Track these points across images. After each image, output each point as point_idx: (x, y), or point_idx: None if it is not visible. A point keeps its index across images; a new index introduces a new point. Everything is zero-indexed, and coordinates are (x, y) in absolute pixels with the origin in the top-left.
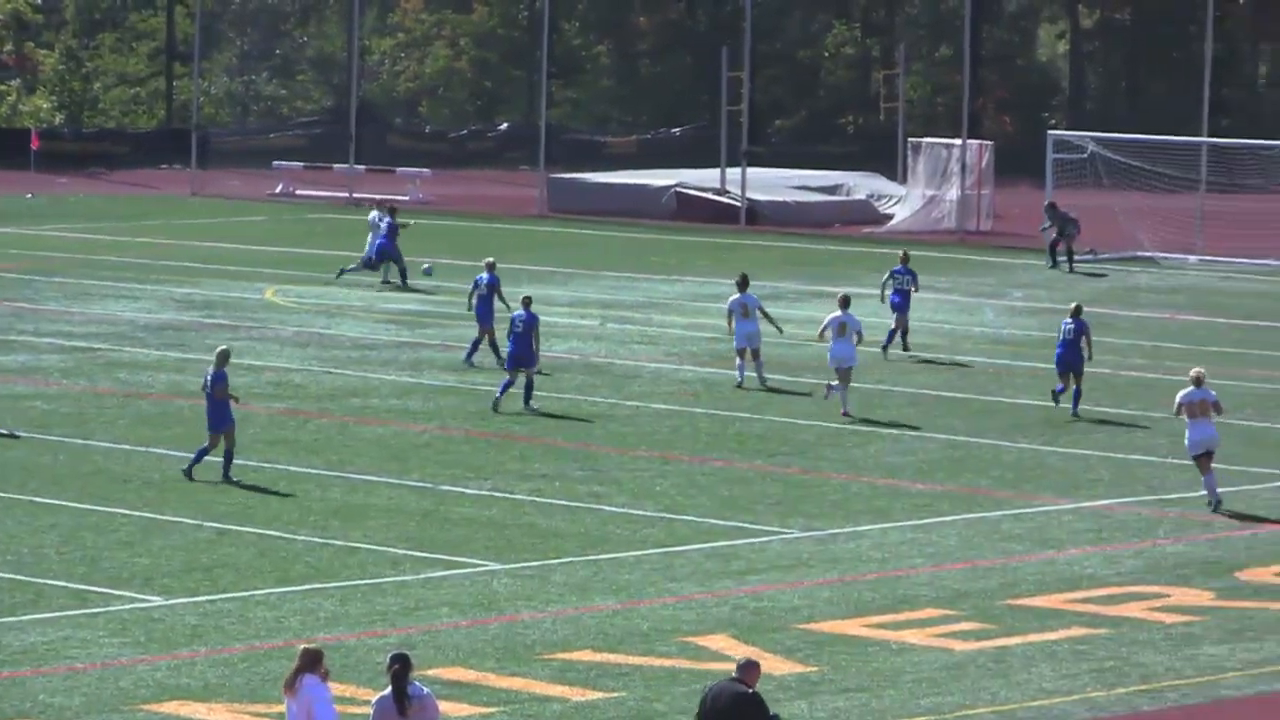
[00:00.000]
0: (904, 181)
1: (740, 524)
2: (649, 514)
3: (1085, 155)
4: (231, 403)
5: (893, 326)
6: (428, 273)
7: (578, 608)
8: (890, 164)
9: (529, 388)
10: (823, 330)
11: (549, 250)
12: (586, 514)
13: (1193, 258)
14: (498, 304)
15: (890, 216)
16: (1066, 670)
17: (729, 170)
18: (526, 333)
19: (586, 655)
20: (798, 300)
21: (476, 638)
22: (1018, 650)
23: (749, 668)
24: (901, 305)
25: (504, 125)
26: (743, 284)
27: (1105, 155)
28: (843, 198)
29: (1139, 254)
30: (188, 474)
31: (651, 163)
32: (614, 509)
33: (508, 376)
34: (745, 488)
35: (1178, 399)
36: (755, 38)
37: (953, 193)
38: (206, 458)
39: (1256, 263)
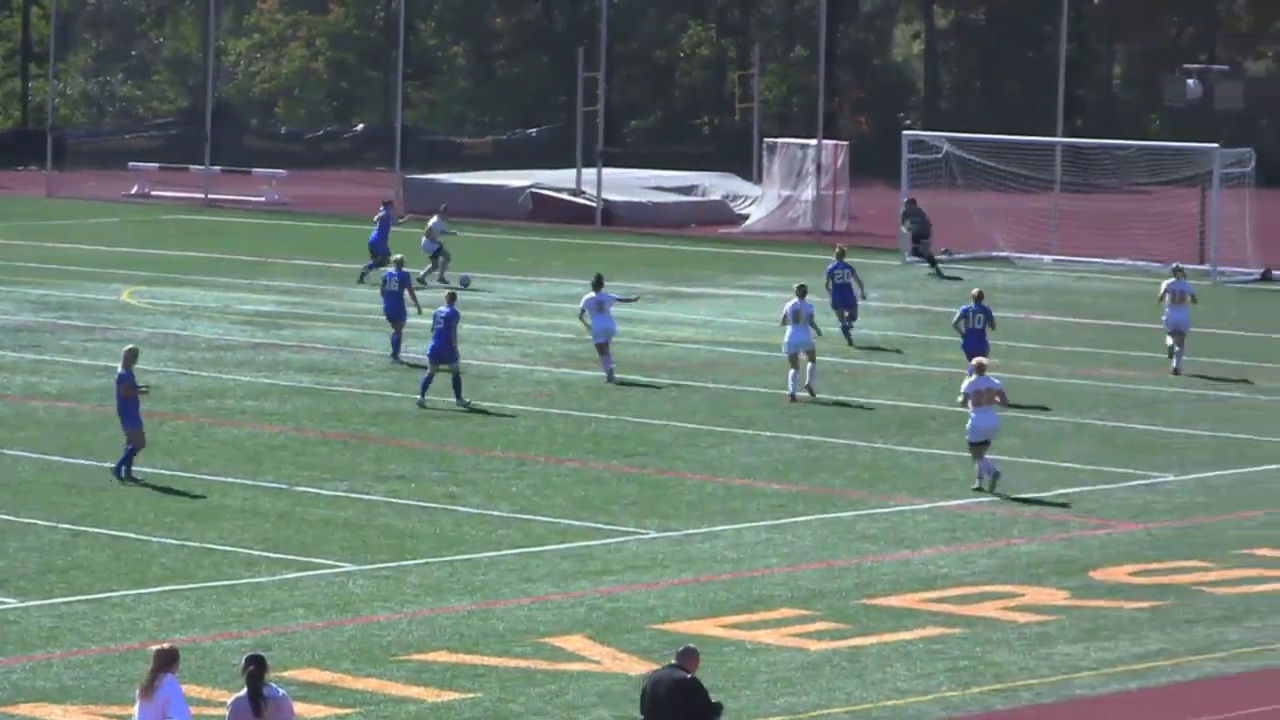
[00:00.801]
0: (759, 182)
1: (596, 524)
2: (505, 515)
3: (940, 155)
4: (140, 398)
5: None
6: (465, 282)
7: (433, 608)
8: (745, 164)
9: (457, 384)
10: (782, 318)
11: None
12: (442, 515)
13: (1047, 258)
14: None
15: (745, 217)
16: (921, 670)
17: (585, 171)
18: (448, 328)
19: (442, 656)
20: (653, 301)
21: (332, 639)
22: (873, 650)
23: (688, 655)
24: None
25: (360, 126)
26: (597, 284)
27: (960, 155)
28: (698, 198)
29: (994, 254)
30: (118, 475)
31: (508, 163)
32: (470, 510)
33: (428, 372)
34: (601, 488)
35: (963, 388)
36: (611, 38)
37: (808, 193)
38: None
39: (1110, 262)
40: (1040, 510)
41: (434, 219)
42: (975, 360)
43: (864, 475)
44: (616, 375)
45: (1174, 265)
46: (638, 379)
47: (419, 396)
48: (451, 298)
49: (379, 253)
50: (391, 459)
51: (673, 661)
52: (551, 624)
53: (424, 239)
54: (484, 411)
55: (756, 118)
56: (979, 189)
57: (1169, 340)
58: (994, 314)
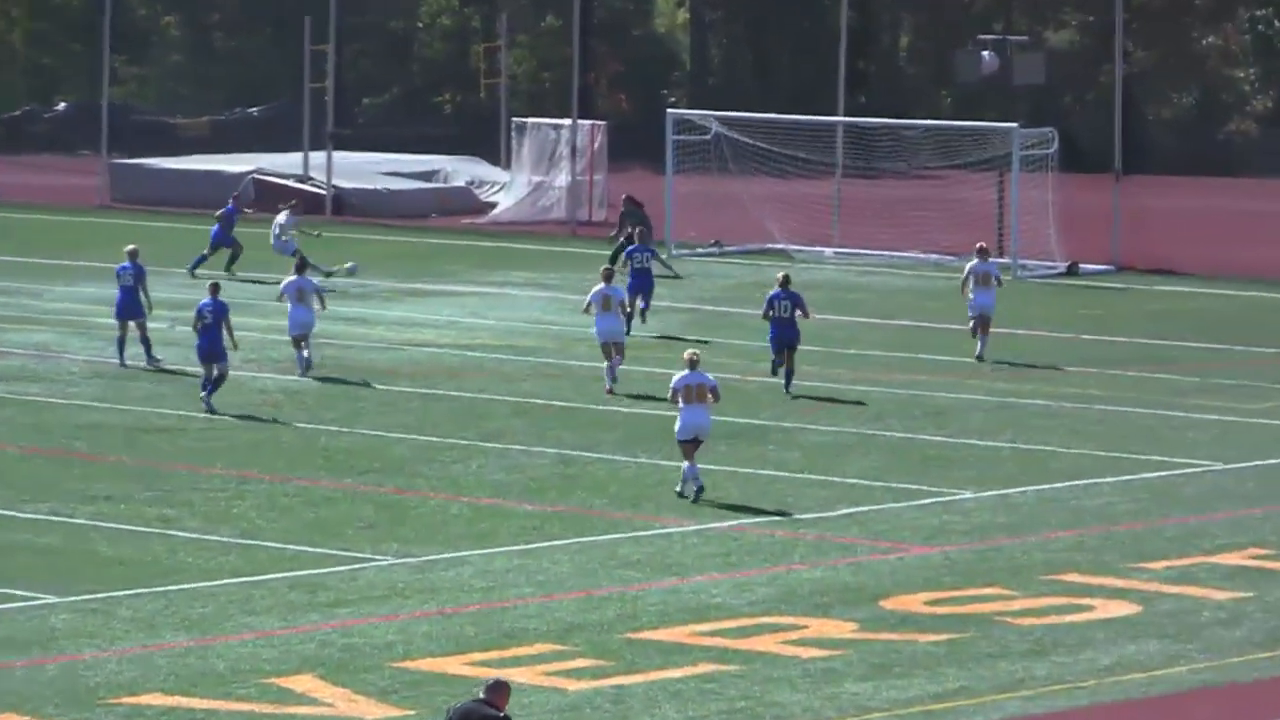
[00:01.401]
0: (507, 167)
1: (328, 550)
2: (225, 540)
3: (709, 136)
4: None
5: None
6: (352, 271)
7: (146, 645)
8: (492, 147)
9: (216, 382)
10: (586, 305)
11: (112, 246)
12: (155, 540)
13: (828, 250)
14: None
15: (492, 205)
16: (694, 711)
17: (313, 155)
18: (216, 323)
19: (156, 699)
20: (390, 300)
21: (33, 680)
22: (638, 689)
23: (498, 689)
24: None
25: (62, 105)
26: (300, 267)
27: (731, 136)
28: (439, 185)
29: (769, 246)
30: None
31: (227, 146)
32: (186, 534)
33: (204, 371)
34: (333, 509)
35: (673, 383)
36: (341, 7)
37: (562, 179)
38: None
39: (898, 255)
40: (824, 532)
41: (282, 214)
42: (688, 353)
43: (626, 494)
44: (314, 372)
45: (978, 245)
46: (375, 387)
47: (204, 399)
48: (215, 288)
49: (224, 245)
50: (99, 477)
51: (480, 696)
52: (278, 662)
53: (275, 238)
54: (206, 422)
55: (504, 95)
56: (752, 174)
57: (971, 323)
58: (804, 300)
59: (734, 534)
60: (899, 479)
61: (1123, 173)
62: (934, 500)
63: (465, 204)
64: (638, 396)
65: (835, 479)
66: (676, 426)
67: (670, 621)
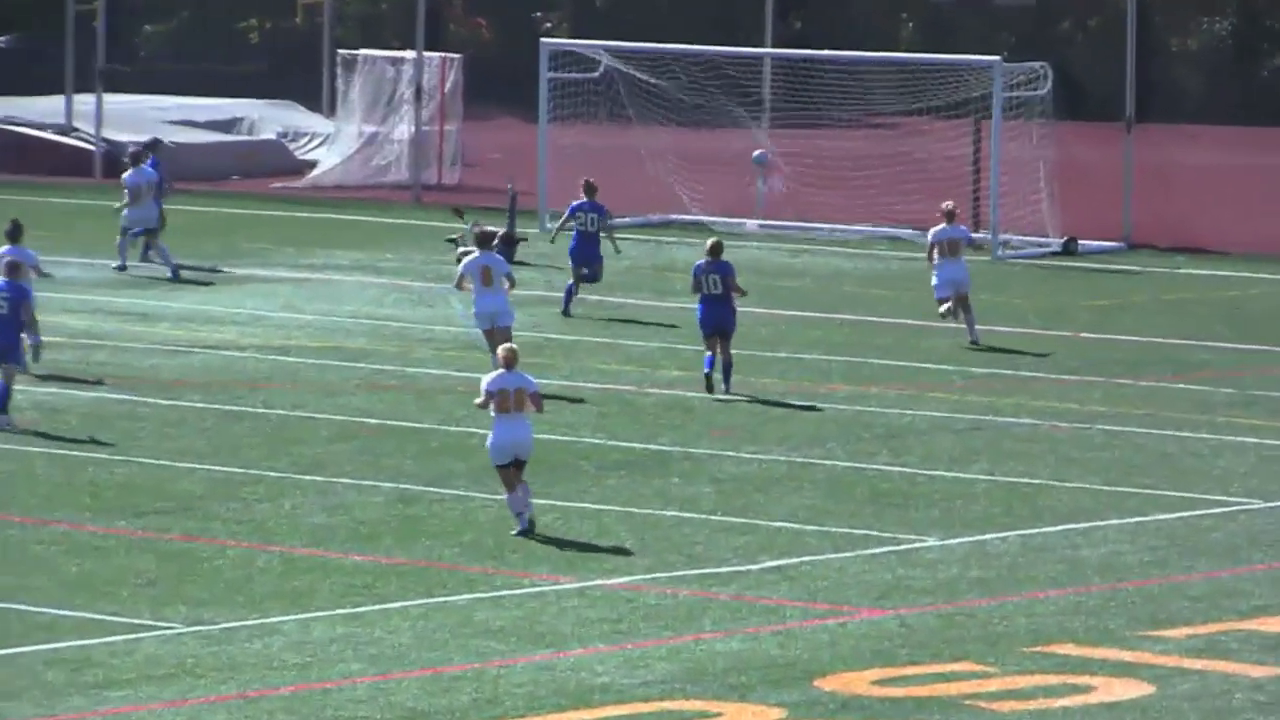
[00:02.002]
0: (331, 114)
1: (96, 615)
2: None
3: (597, 74)
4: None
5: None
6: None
7: None
8: (312, 88)
9: (6, 389)
10: (458, 279)
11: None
12: None
13: (752, 222)
14: None
15: (313, 164)
16: None
17: (77, 98)
18: (13, 313)
19: None
20: (176, 289)
21: None
22: None
23: None
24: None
25: None
26: (13, 234)
27: (625, 73)
28: (243, 137)
29: (675, 217)
30: None
31: None
32: None
33: None
34: (103, 561)
35: (484, 385)
36: None
37: (403, 129)
38: None
39: (842, 229)
40: (743, 590)
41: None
42: (503, 349)
43: (486, 541)
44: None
45: (945, 206)
46: (155, 401)
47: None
48: (12, 268)
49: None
50: None
51: None
52: None
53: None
54: None
55: (328, 20)
56: (652, 123)
57: (945, 307)
58: (735, 272)
59: (626, 593)
60: (841, 522)
61: (1135, 121)
62: (887, 550)
63: (277, 162)
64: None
65: (758, 521)
66: (488, 443)
67: (542, 708)
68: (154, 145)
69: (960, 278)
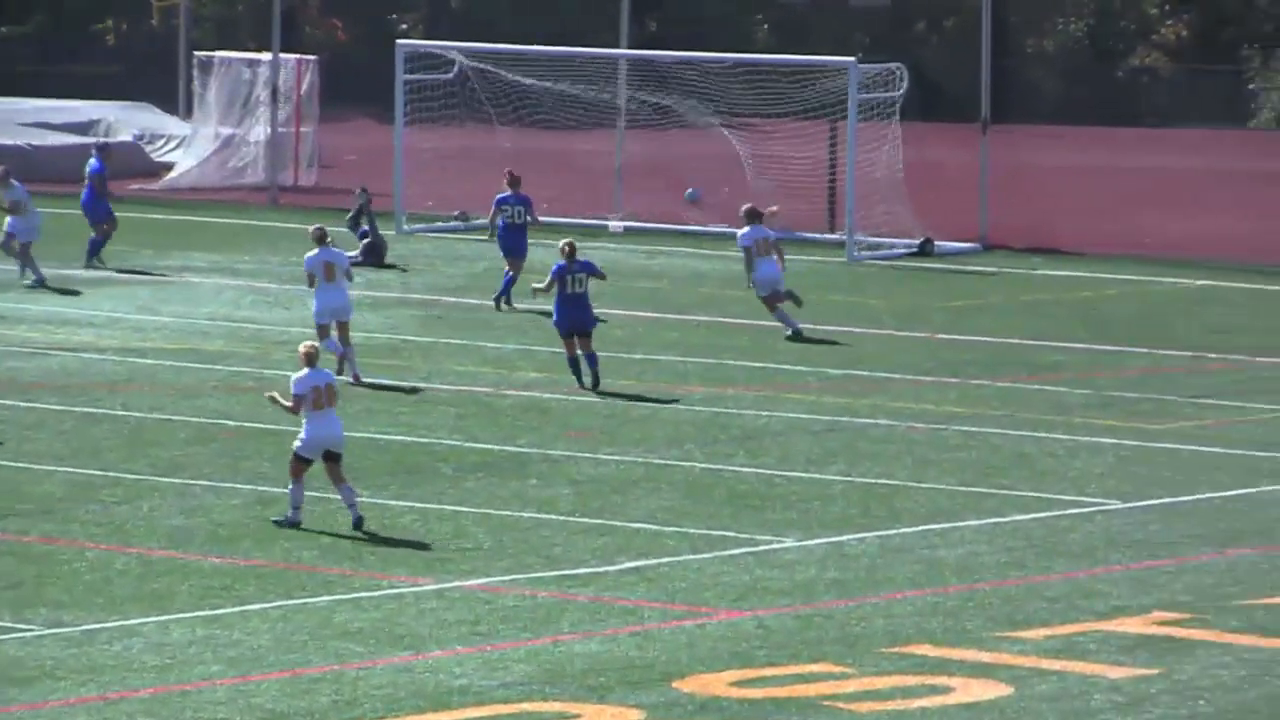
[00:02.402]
0: (188, 116)
1: None
2: None
3: (451, 75)
4: None
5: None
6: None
7: None
8: (168, 90)
9: None
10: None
11: None
12: None
13: (614, 223)
14: None
15: (170, 166)
16: None
17: None
18: None
19: None
20: (34, 292)
21: None
22: None
23: None
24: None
25: None
26: None
27: (483, 75)
28: (101, 139)
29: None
30: None
31: None
32: None
33: None
34: None
35: (294, 388)
36: None
37: (259, 131)
38: None
39: (700, 230)
40: (601, 592)
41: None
42: (304, 346)
43: (344, 543)
44: None
45: (745, 208)
46: (13, 404)
47: None
48: None
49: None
50: None
51: None
52: None
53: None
54: None
55: (184, 21)
56: (509, 124)
57: (772, 303)
58: (598, 268)
59: (484, 595)
60: (699, 523)
61: (991, 122)
62: (744, 550)
63: (132, 164)
64: (358, 416)
65: (616, 523)
66: (299, 441)
67: (401, 710)
68: (103, 149)
69: (775, 275)
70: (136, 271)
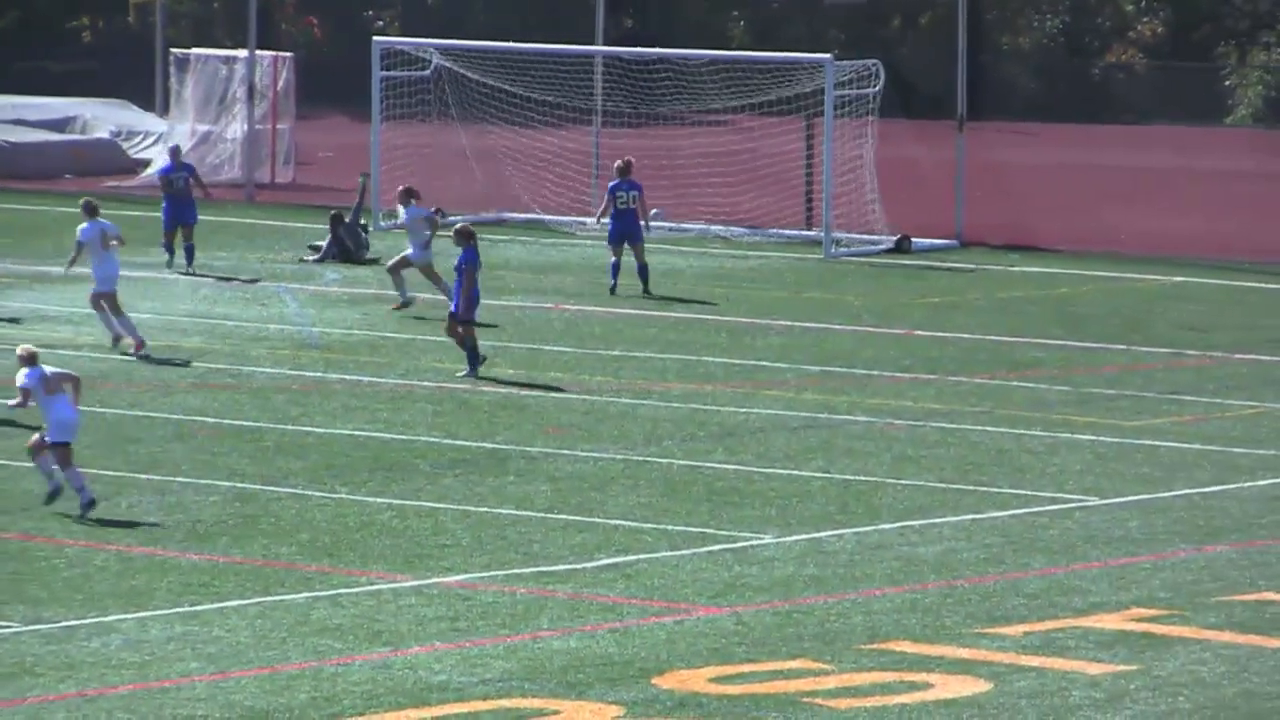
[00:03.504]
0: (165, 113)
1: None
2: None
3: (428, 72)
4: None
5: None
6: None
7: None
8: (144, 87)
9: None
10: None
11: None
12: None
13: (589, 220)
14: None
15: (146, 163)
16: None
17: None
18: None
19: None
20: (9, 288)
21: None
22: None
23: None
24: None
25: None
26: None
27: (457, 72)
28: (77, 136)
29: (507, 215)
30: None
31: None
32: None
33: None
34: None
35: (22, 384)
36: None
37: (236, 128)
38: None
39: (677, 228)
40: (580, 588)
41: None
42: (22, 349)
43: (322, 539)
44: None
45: (401, 188)
46: None
47: None
48: None
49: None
50: None
51: None
52: None
53: None
54: None
55: (161, 19)
56: (485, 122)
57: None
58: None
59: (463, 591)
60: (677, 520)
61: (967, 119)
62: (723, 547)
63: (111, 161)
64: (336, 413)
65: (595, 519)
66: (48, 425)
67: (380, 706)
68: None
69: (423, 254)
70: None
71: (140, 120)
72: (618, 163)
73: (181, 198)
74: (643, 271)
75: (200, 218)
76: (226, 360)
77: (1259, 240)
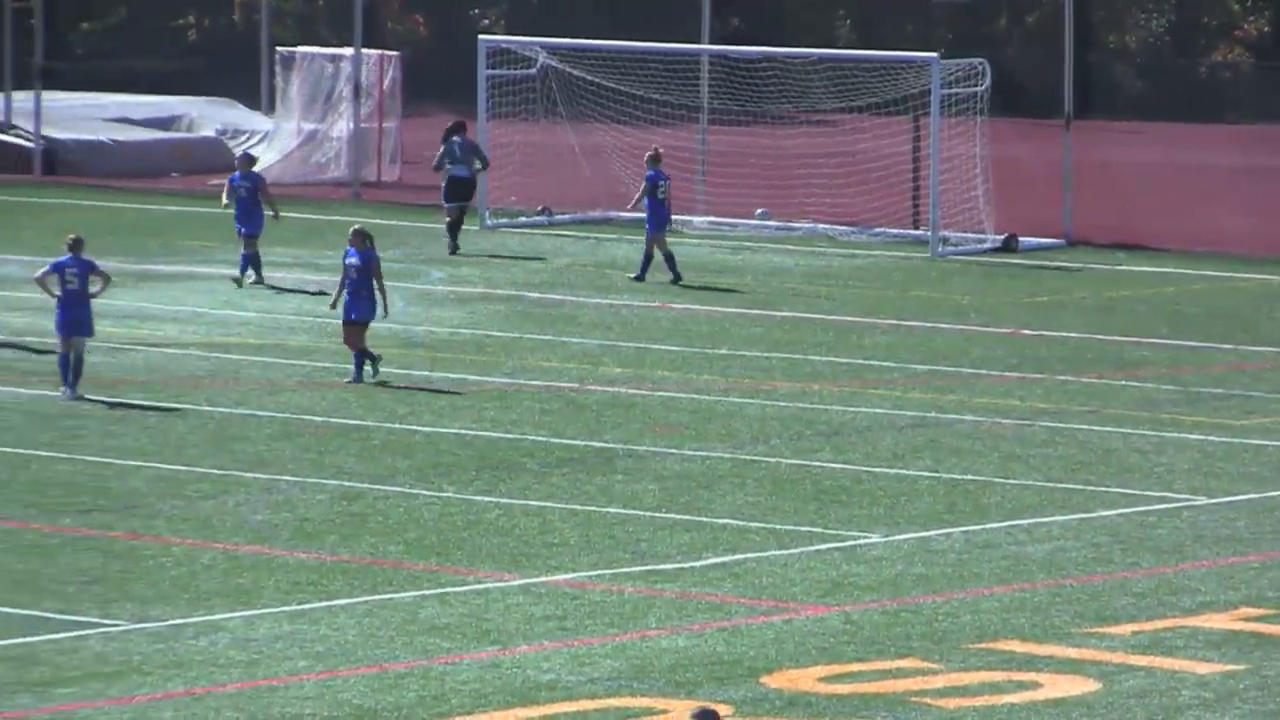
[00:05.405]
0: (270, 111)
1: (40, 613)
2: None
3: (534, 70)
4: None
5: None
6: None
7: None
8: (250, 85)
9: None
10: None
11: None
12: None
13: (698, 219)
14: None
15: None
16: None
17: (15, 95)
18: (82, 286)
19: None
20: (117, 287)
21: None
22: None
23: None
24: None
25: None
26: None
27: (563, 71)
28: (182, 135)
29: (614, 215)
30: None
31: None
32: None
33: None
34: (47, 560)
35: None
36: None
37: (342, 127)
38: None
39: (782, 227)
40: (688, 587)
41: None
42: None
43: (430, 538)
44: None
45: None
46: (98, 399)
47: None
48: (78, 243)
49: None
50: None
51: None
52: None
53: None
54: None
55: (266, 17)
56: (591, 120)
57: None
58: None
59: (571, 590)
60: (785, 519)
61: (1074, 117)
62: (831, 546)
63: (215, 160)
64: (443, 411)
65: (702, 519)
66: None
67: (488, 705)
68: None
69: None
70: (219, 267)
71: (246, 118)
72: (649, 153)
73: (243, 206)
74: (671, 259)
75: (305, 216)
76: (332, 359)
77: None
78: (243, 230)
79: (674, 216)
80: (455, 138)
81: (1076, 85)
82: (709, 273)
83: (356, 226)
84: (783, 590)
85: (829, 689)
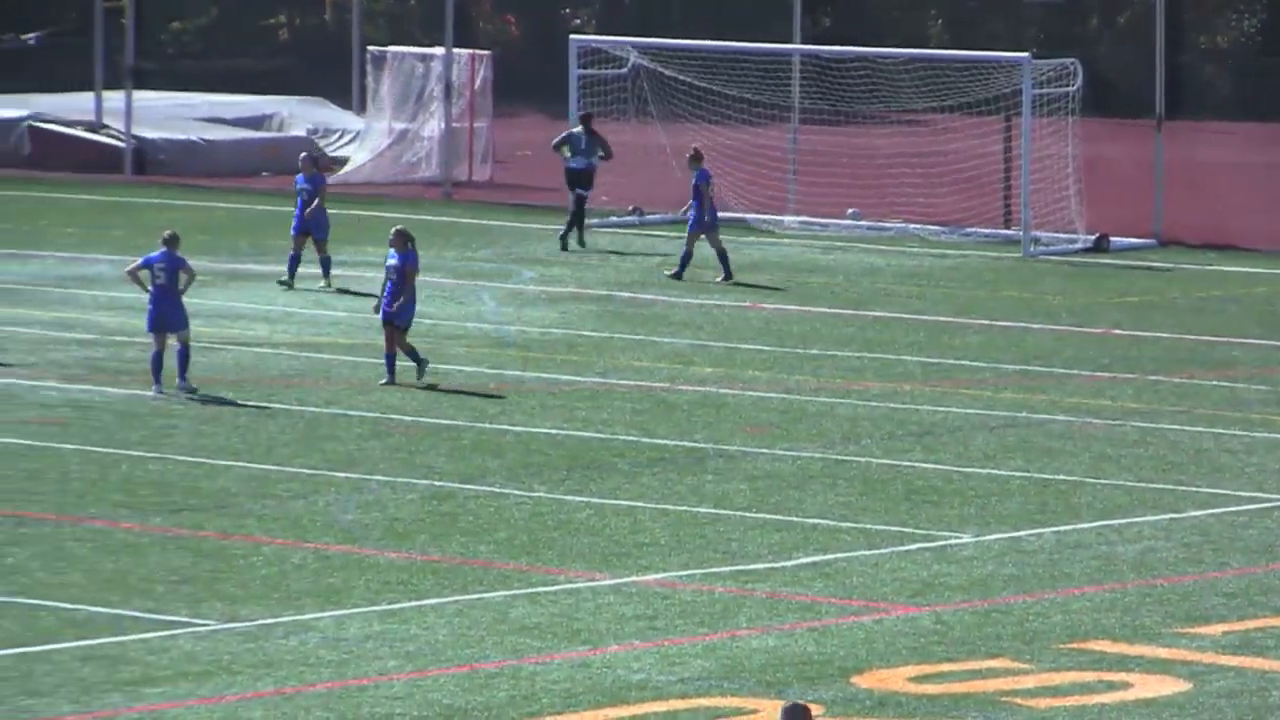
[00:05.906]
0: (362, 110)
1: (131, 612)
2: None
3: (625, 70)
4: None
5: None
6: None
7: None
8: (341, 85)
9: (183, 356)
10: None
11: None
12: None
13: (788, 219)
14: None
15: (343, 161)
16: None
17: (107, 95)
18: (171, 282)
19: None
20: (206, 286)
21: None
22: None
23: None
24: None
25: None
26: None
27: (654, 71)
28: (273, 134)
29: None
30: None
31: None
32: None
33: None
34: (137, 558)
35: None
36: None
37: (433, 126)
38: None
39: (874, 227)
40: (779, 587)
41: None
42: None
43: (520, 538)
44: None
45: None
46: (187, 399)
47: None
48: (173, 240)
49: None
50: None
51: None
52: None
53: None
54: None
55: (357, 16)
56: (682, 120)
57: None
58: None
59: (661, 590)
60: (876, 518)
61: (1166, 118)
62: (921, 546)
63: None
64: (534, 411)
65: (793, 519)
66: None
67: (578, 705)
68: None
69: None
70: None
71: (337, 118)
72: (690, 152)
73: (306, 209)
74: (724, 257)
75: (401, 216)
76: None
77: None
78: (315, 234)
79: (765, 217)
80: (578, 128)
81: (1168, 85)
82: (800, 272)
83: (399, 227)
84: (873, 590)
85: (919, 689)
